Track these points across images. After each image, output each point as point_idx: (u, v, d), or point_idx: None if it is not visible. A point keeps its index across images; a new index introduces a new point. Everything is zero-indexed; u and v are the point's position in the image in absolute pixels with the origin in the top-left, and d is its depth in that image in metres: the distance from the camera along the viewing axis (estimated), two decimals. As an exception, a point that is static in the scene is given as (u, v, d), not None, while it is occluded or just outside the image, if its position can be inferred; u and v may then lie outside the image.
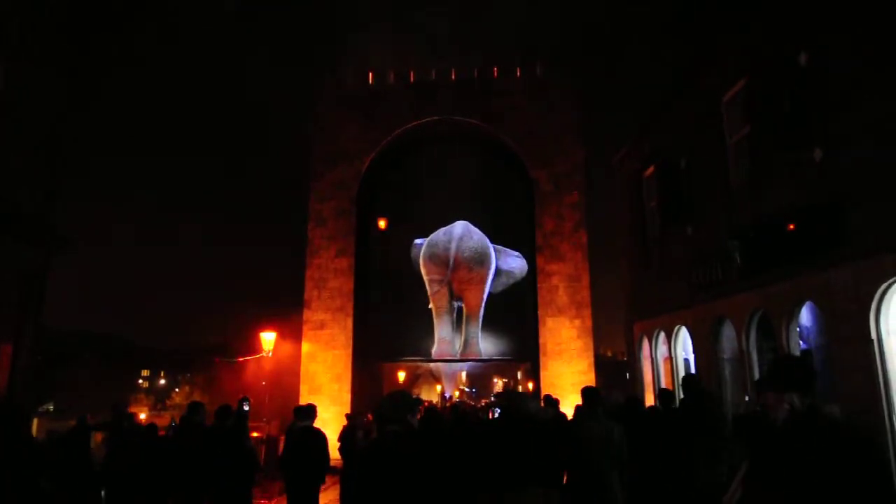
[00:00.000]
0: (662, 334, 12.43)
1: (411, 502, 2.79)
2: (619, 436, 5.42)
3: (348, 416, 11.82)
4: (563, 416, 8.85)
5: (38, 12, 9.65)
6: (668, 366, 12.19)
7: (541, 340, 21.29)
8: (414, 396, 3.47)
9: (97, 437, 10.16)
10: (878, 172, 6.26)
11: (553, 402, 9.40)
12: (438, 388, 48.92)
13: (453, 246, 23.11)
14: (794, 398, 2.77)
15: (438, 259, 23.16)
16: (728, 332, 9.78)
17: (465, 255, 23.07)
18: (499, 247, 23.35)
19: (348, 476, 8.52)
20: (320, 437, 7.21)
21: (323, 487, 7.76)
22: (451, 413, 10.95)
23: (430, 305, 23.26)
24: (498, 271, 23.37)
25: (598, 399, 5.77)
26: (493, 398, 29.44)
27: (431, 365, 32.23)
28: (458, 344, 23.39)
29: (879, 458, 4.66)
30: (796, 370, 2.96)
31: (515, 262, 23.25)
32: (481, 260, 23.12)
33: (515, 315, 23.06)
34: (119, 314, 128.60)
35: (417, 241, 23.61)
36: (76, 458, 7.50)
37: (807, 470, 2.57)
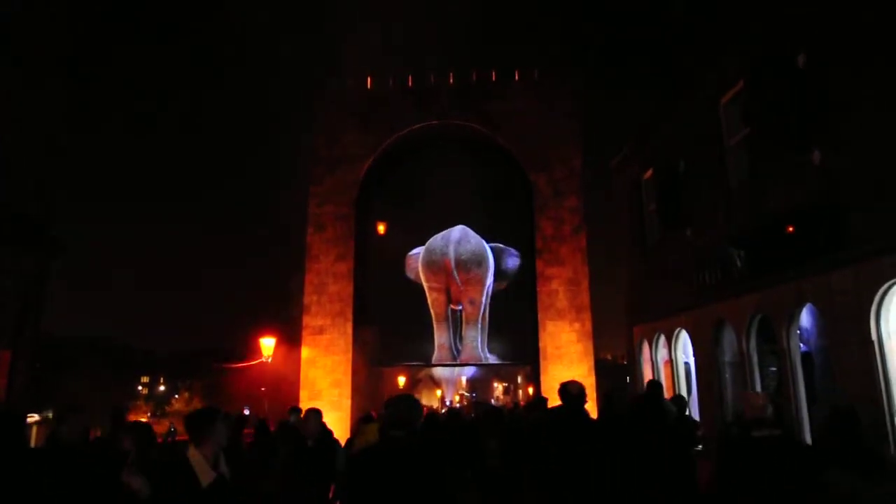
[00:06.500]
0: (662, 337, 12.41)
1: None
2: None
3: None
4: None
5: (39, 21, 9.66)
6: (669, 369, 12.17)
7: (541, 344, 21.25)
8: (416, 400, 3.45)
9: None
10: (878, 174, 6.26)
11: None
12: (438, 392, 48.89)
13: (451, 250, 23.11)
14: None
15: (436, 265, 23.15)
16: (728, 335, 9.76)
17: (463, 257, 23.08)
18: (499, 245, 23.35)
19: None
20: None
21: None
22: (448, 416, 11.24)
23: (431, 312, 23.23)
24: (503, 273, 23.34)
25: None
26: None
27: (431, 369, 32.15)
28: (457, 349, 23.36)
29: None
30: None
31: (514, 262, 23.29)
32: (479, 261, 23.11)
33: (515, 319, 23.02)
34: (117, 320, 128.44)
35: (412, 252, 23.60)
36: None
37: None
